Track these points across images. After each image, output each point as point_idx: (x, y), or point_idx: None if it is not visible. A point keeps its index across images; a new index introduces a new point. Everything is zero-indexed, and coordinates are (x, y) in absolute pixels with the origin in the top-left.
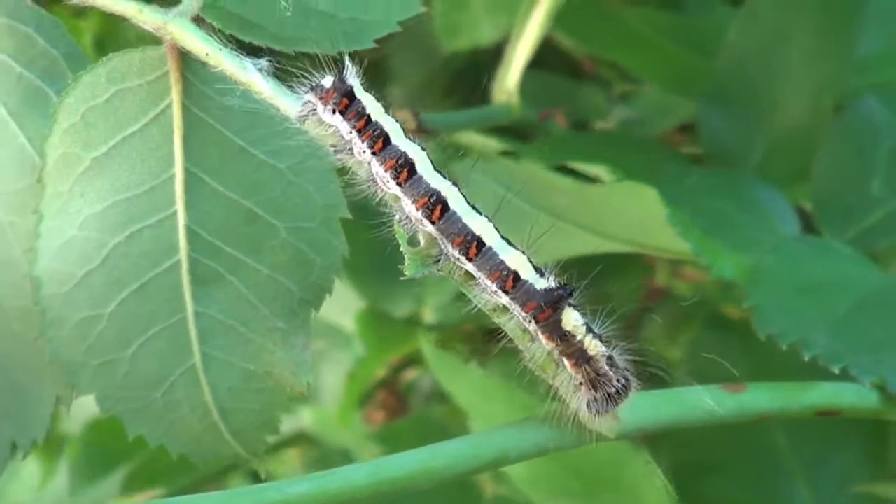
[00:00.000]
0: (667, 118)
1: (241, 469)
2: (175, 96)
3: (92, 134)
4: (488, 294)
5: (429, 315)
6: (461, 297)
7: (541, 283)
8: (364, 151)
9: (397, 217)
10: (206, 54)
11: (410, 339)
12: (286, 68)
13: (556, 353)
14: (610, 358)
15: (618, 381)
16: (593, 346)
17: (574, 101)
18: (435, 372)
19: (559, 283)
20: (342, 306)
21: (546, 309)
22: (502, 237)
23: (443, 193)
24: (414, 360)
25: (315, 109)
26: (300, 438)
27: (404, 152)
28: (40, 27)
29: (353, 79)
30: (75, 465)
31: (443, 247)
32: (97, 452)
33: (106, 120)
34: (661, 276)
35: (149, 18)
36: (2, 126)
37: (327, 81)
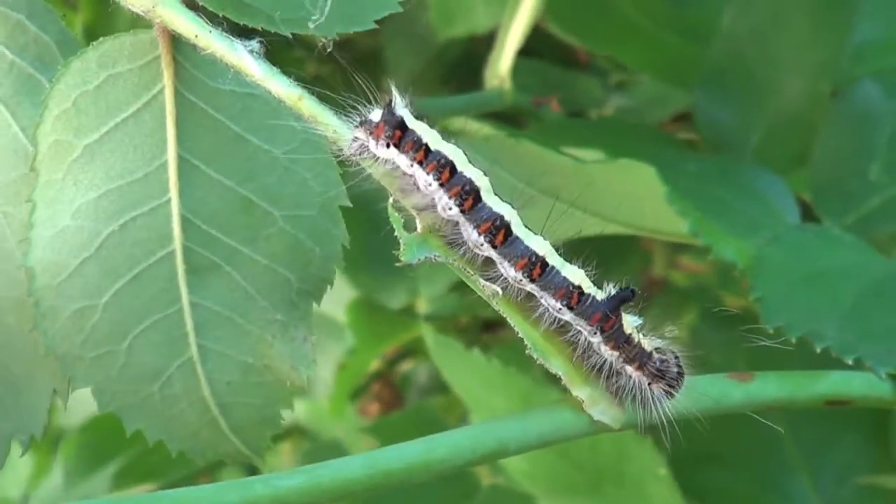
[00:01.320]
0: (663, 107)
1: (236, 464)
2: (167, 80)
3: (84, 120)
4: (550, 312)
5: (423, 306)
6: (455, 289)
7: (600, 294)
8: (430, 184)
9: (391, 201)
10: (196, 36)
11: (403, 330)
12: (337, 100)
13: (619, 361)
14: (658, 348)
15: (675, 364)
16: (647, 343)
17: (570, 90)
18: (435, 358)
19: (617, 287)
20: (337, 297)
21: (611, 317)
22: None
23: (506, 218)
24: (410, 351)
25: (366, 146)
26: (293, 431)
27: (470, 179)
28: (32, 14)
29: (402, 109)
30: (70, 462)
31: (502, 270)
32: (92, 449)
33: (97, 106)
34: (659, 266)
35: (138, 0)
36: None
37: (375, 115)
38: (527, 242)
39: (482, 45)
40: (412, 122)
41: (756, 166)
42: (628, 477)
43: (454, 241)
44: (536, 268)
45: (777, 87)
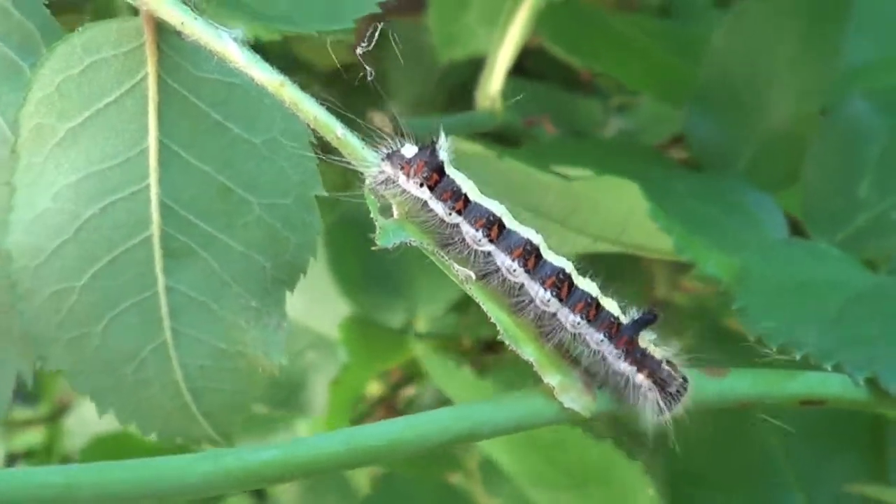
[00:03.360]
0: (663, 128)
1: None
2: (150, 68)
3: (67, 104)
4: (593, 345)
5: (421, 326)
6: (454, 309)
7: (625, 317)
8: (480, 241)
9: (368, 183)
10: (182, 23)
11: (401, 348)
12: (367, 128)
13: (634, 374)
14: (668, 361)
15: (679, 379)
16: (659, 352)
17: (570, 113)
18: (428, 369)
19: (641, 311)
20: (335, 318)
21: (634, 339)
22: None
23: (567, 271)
24: (413, 376)
25: (394, 180)
26: None
27: (527, 239)
28: (17, 0)
29: (444, 153)
30: None
31: (563, 319)
32: None
33: (81, 90)
34: (661, 288)
35: None
36: None
37: (408, 151)
38: (608, 309)
39: None
40: (451, 170)
41: (745, 184)
42: (615, 484)
43: (448, 240)
44: (591, 310)
45: (767, 106)
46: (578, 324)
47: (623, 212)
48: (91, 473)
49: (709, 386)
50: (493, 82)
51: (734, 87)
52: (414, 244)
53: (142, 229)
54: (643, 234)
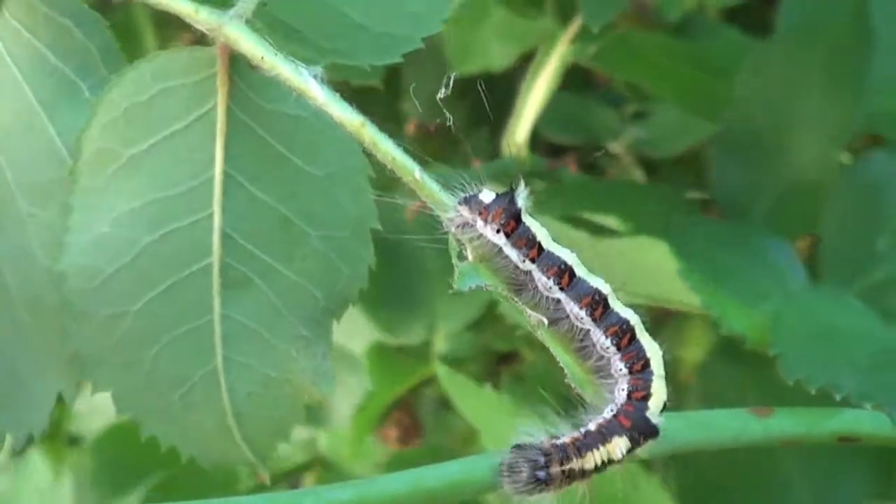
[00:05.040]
0: (678, 141)
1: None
2: (221, 98)
3: (132, 131)
4: (615, 374)
5: (440, 343)
6: (472, 327)
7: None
8: (551, 288)
9: (445, 220)
10: (262, 58)
11: (421, 370)
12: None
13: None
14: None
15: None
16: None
17: (584, 121)
18: (447, 390)
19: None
20: (352, 330)
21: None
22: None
23: (631, 323)
24: (430, 380)
25: (472, 224)
26: (315, 463)
27: (596, 288)
28: (80, 20)
29: (523, 200)
30: (85, 475)
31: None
32: (109, 462)
33: (147, 117)
34: None
35: (204, 19)
36: (32, 117)
37: (486, 196)
38: (651, 369)
39: (503, 77)
40: (527, 217)
41: (764, 231)
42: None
43: (520, 286)
44: (639, 365)
45: (788, 154)
46: (622, 370)
47: (652, 269)
48: None
49: (755, 426)
50: (520, 131)
51: (756, 134)
52: (489, 289)
53: (201, 258)
54: (670, 289)
